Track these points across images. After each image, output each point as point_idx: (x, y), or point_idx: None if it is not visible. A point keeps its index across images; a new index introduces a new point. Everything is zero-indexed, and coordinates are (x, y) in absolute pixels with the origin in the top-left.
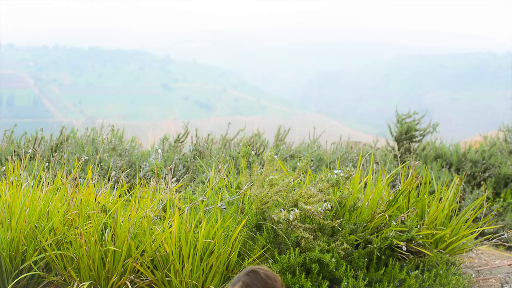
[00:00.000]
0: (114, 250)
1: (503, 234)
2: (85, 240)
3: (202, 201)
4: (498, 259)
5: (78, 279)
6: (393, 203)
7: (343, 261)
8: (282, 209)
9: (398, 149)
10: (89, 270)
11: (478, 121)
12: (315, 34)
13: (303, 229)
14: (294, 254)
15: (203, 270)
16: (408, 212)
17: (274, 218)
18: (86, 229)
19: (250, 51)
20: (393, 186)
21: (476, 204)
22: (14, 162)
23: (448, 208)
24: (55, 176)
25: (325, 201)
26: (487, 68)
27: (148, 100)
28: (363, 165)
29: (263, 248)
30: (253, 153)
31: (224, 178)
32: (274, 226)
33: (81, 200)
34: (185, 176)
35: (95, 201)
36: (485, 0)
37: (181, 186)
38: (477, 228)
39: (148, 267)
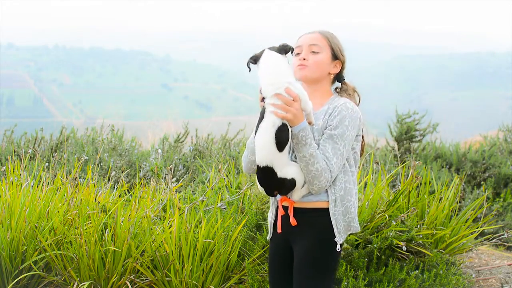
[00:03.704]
0: (114, 250)
1: (503, 234)
2: (85, 240)
3: (202, 201)
4: (498, 259)
5: (78, 279)
6: (393, 203)
7: (343, 261)
8: None
9: (398, 149)
10: (89, 270)
11: (478, 121)
12: None
13: None
14: None
15: (203, 270)
16: (408, 212)
17: None
18: (86, 229)
19: (250, 51)
20: (393, 186)
21: (476, 204)
22: (14, 162)
23: (448, 208)
24: (55, 176)
25: None
26: (487, 68)
27: (148, 100)
28: (363, 165)
29: (263, 248)
30: None
31: (224, 178)
32: None
33: (81, 200)
34: (185, 176)
35: (95, 201)
36: (485, 0)
37: (181, 186)
38: (477, 228)
39: (148, 267)
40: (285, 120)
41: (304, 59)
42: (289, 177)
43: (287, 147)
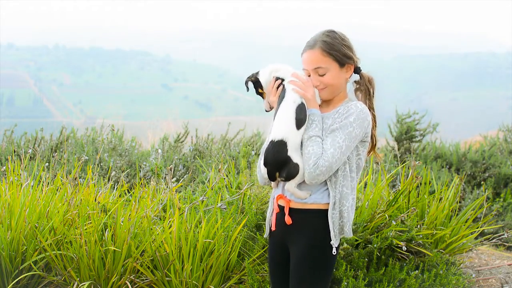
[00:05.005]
0: (114, 250)
1: (503, 234)
2: (85, 240)
3: (202, 201)
4: (498, 259)
5: (78, 279)
6: (393, 203)
7: (343, 261)
8: None
9: (398, 149)
10: (89, 270)
11: (478, 121)
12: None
13: None
14: None
15: (203, 270)
16: (408, 212)
17: None
18: (86, 229)
19: (250, 51)
20: (393, 186)
21: (476, 204)
22: (14, 162)
23: (448, 208)
24: (55, 176)
25: None
26: (487, 68)
27: (148, 100)
28: None
29: (263, 248)
30: (253, 153)
31: (224, 178)
32: None
33: (81, 200)
34: (185, 176)
35: (95, 201)
36: (485, 0)
37: (181, 186)
38: (477, 228)
39: (148, 267)
40: (304, 100)
41: (317, 85)
42: (294, 160)
43: (302, 129)
